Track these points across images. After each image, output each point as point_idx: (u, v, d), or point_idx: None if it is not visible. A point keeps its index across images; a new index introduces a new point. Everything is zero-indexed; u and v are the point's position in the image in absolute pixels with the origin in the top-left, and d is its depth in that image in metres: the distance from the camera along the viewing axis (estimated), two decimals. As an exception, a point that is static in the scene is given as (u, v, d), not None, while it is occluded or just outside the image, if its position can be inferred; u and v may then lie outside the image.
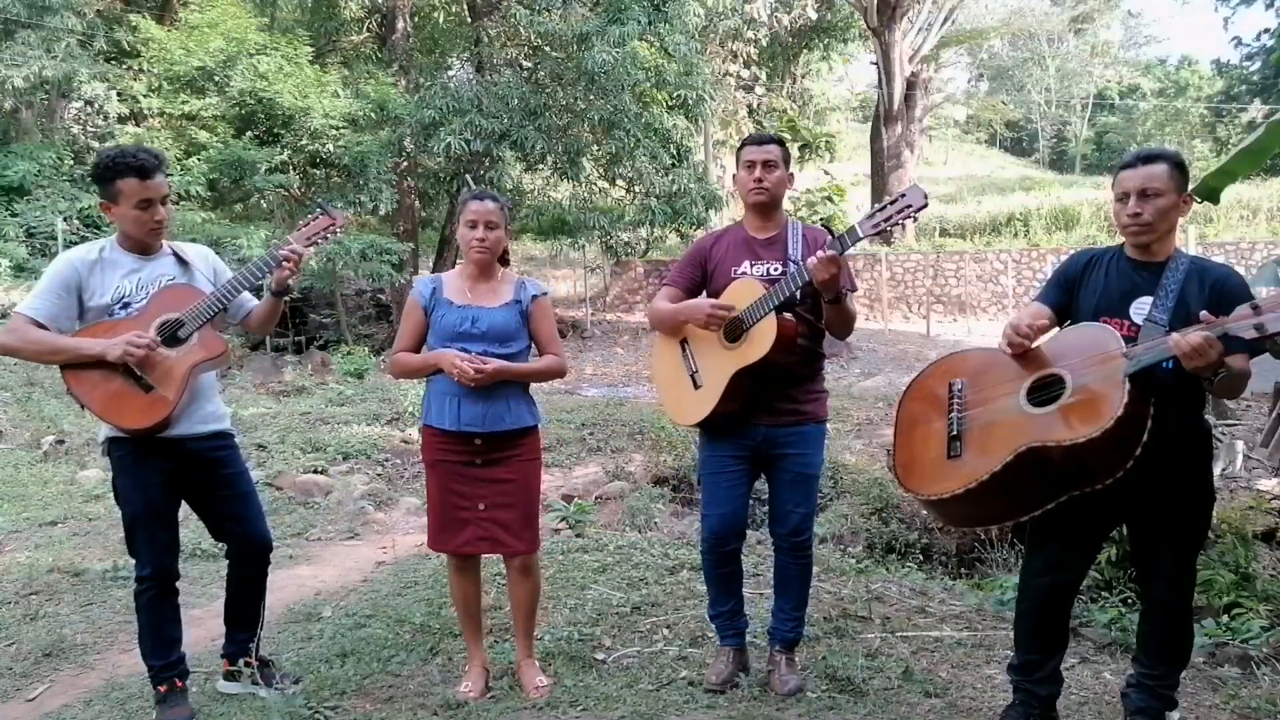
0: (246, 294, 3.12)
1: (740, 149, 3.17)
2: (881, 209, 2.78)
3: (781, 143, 3.16)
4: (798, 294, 2.93)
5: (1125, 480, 2.44)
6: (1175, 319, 2.47)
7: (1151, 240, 2.58)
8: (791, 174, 3.16)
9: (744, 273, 3.07)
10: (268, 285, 3.09)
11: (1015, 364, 2.59)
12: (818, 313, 3.06)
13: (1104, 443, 2.35)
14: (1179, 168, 2.56)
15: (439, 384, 3.08)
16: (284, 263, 3.00)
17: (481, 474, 3.08)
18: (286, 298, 3.14)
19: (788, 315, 2.94)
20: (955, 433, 2.63)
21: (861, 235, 2.78)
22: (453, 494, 3.09)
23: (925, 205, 2.75)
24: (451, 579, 3.25)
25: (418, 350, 3.16)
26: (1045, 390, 2.51)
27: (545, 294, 3.23)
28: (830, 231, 2.99)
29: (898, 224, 2.78)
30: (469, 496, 3.08)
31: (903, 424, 2.81)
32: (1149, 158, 2.57)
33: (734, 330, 3.00)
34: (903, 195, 2.74)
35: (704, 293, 3.19)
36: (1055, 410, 2.45)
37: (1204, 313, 2.28)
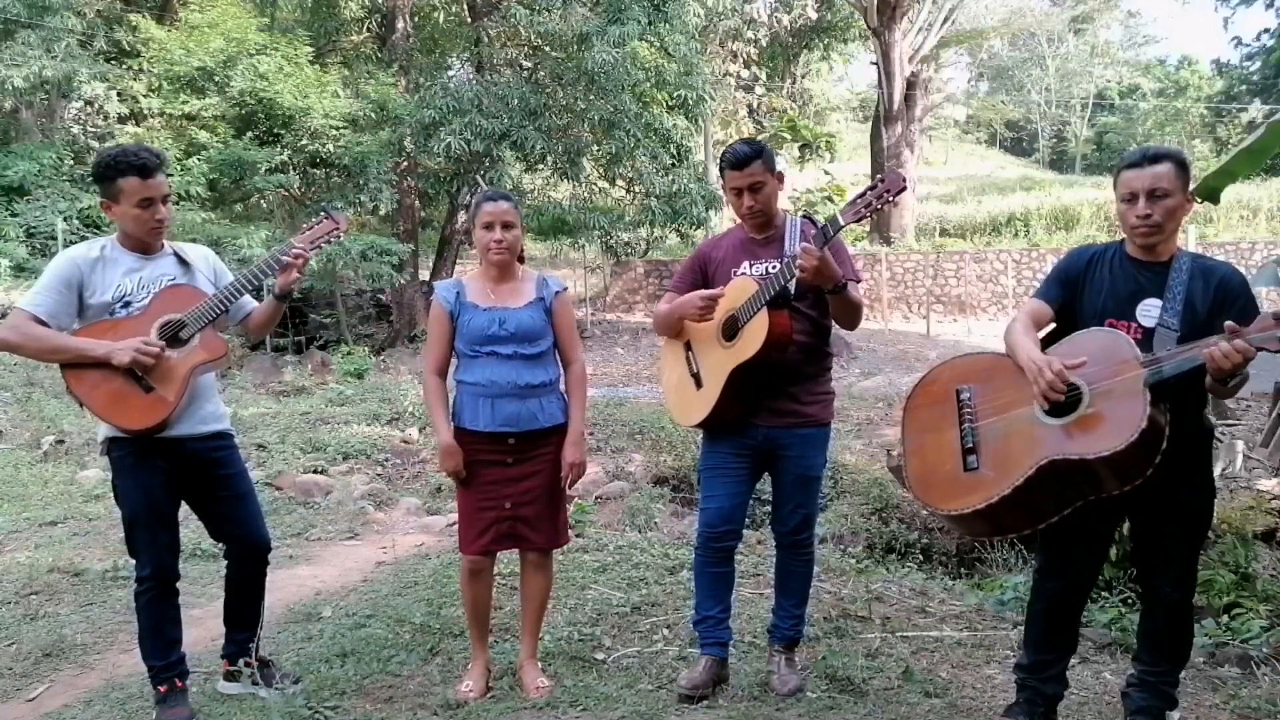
0: (247, 296, 3.12)
1: (722, 169, 3.07)
2: (861, 195, 2.77)
3: (760, 152, 3.00)
4: (790, 288, 2.91)
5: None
6: (1184, 323, 2.46)
7: (1159, 241, 2.56)
8: (780, 174, 3.10)
9: (742, 273, 3.07)
10: (270, 288, 3.09)
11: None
12: (821, 308, 3.05)
13: (1128, 455, 2.32)
14: (1183, 167, 2.53)
15: (470, 386, 3.08)
16: (290, 267, 2.99)
17: (511, 472, 3.08)
18: (287, 300, 3.15)
19: (782, 311, 2.92)
20: (970, 444, 2.57)
21: (843, 223, 2.78)
22: (481, 494, 3.09)
23: (904, 188, 2.74)
24: (465, 582, 3.22)
25: (448, 355, 3.15)
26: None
27: (565, 289, 3.25)
28: (814, 223, 2.99)
29: (878, 209, 2.77)
30: (495, 495, 3.08)
31: (911, 432, 2.75)
32: (1155, 157, 2.53)
33: (730, 329, 3.00)
34: (881, 180, 2.75)
35: None
36: (1074, 422, 2.41)
37: (1229, 323, 2.25)
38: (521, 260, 3.23)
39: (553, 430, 3.12)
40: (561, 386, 3.21)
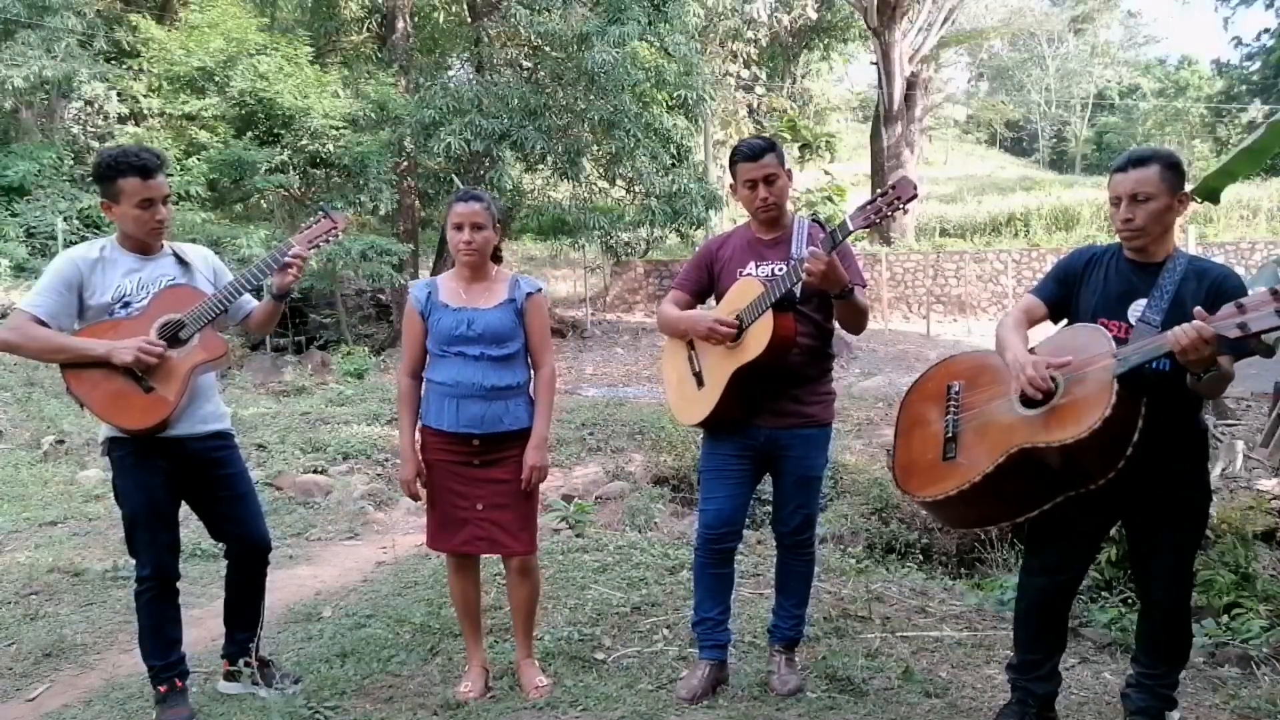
0: (247, 295, 3.12)
1: (734, 164, 3.07)
2: (871, 202, 2.77)
3: (773, 146, 3.06)
4: (795, 291, 2.91)
5: (1122, 480, 2.44)
6: (1169, 320, 2.45)
7: (1147, 243, 2.57)
8: (790, 170, 3.11)
9: (748, 274, 3.06)
10: (268, 287, 3.09)
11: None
12: (825, 312, 3.05)
13: (1092, 443, 2.35)
14: (1172, 168, 2.52)
15: (437, 385, 3.08)
16: (289, 267, 3.00)
17: (479, 474, 3.08)
18: (286, 300, 3.15)
19: (787, 314, 2.92)
20: (950, 434, 2.65)
21: (852, 228, 2.77)
22: (451, 494, 3.09)
23: (915, 196, 2.73)
24: (450, 579, 3.25)
25: (422, 356, 3.14)
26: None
27: (540, 290, 3.21)
28: (822, 227, 2.99)
29: (888, 216, 2.76)
30: (467, 496, 3.08)
31: (902, 426, 2.83)
32: (1140, 160, 2.53)
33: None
34: (893, 187, 2.74)
35: (712, 296, 3.19)
36: (1045, 412, 2.46)
37: (1198, 308, 2.27)
38: (498, 260, 3.21)
39: (519, 434, 3.10)
40: (531, 390, 3.19)
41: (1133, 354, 2.38)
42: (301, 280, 3.17)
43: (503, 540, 3.12)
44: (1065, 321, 2.74)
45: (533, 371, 3.20)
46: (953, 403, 2.69)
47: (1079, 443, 2.35)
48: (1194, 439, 2.64)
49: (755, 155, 3.01)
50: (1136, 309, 2.55)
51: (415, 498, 3.14)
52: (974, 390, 2.67)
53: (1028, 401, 2.51)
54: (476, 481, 3.08)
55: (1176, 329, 2.29)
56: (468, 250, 3.06)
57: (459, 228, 3.05)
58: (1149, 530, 2.64)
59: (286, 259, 3.00)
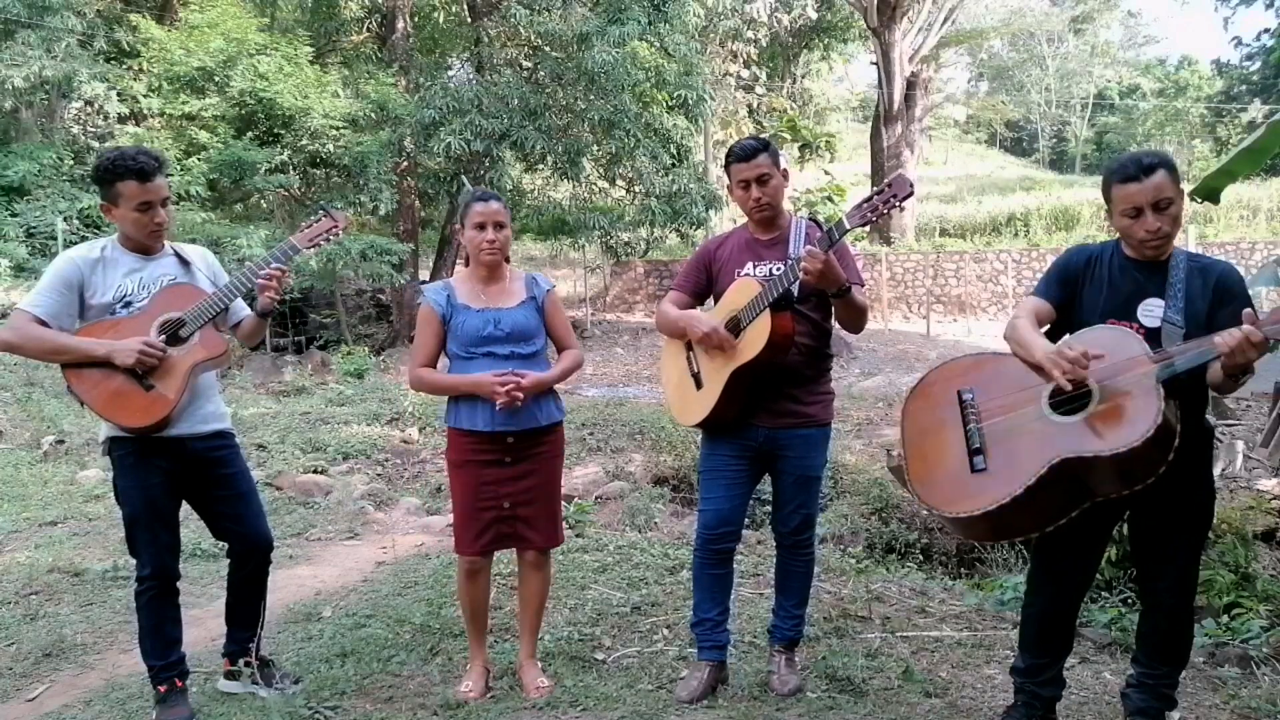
0: (241, 301, 3.14)
1: (728, 164, 3.09)
2: (868, 200, 2.76)
3: (767, 145, 3.08)
4: (793, 291, 2.91)
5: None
6: (1188, 320, 2.44)
7: (1169, 249, 2.55)
8: (785, 170, 3.11)
9: (746, 274, 3.07)
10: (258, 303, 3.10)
11: (1030, 370, 2.50)
12: (824, 311, 3.05)
13: (1140, 453, 2.28)
14: (1174, 168, 2.51)
15: None
16: (269, 280, 2.98)
17: (509, 472, 3.09)
18: (269, 317, 3.16)
19: (785, 314, 2.92)
20: (977, 445, 2.51)
21: (849, 227, 2.76)
22: (479, 495, 3.09)
23: (911, 194, 2.71)
24: (463, 581, 3.22)
25: (438, 356, 3.16)
26: (1067, 397, 2.43)
27: (554, 287, 3.29)
28: (819, 225, 2.99)
29: (884, 214, 2.76)
30: (495, 495, 3.09)
31: (911, 434, 2.69)
32: (1149, 168, 2.47)
33: (732, 330, 3.00)
34: (888, 185, 2.73)
35: (711, 296, 3.20)
36: (1085, 419, 2.37)
37: (1246, 310, 2.25)
38: (506, 260, 3.23)
39: (549, 428, 3.15)
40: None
41: (1178, 359, 2.33)
42: (293, 286, 3.19)
43: (527, 535, 3.14)
44: (1065, 323, 2.71)
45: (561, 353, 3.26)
46: (970, 410, 2.57)
47: (1132, 451, 2.28)
48: (1201, 439, 2.62)
49: (748, 156, 3.03)
50: (1146, 309, 2.52)
51: (516, 400, 2.96)
52: (992, 396, 2.56)
53: (1059, 408, 2.43)
54: (506, 480, 3.09)
55: (1233, 337, 2.24)
56: (490, 249, 3.08)
57: (481, 227, 3.07)
58: (1157, 532, 2.62)
59: (264, 275, 2.98)
